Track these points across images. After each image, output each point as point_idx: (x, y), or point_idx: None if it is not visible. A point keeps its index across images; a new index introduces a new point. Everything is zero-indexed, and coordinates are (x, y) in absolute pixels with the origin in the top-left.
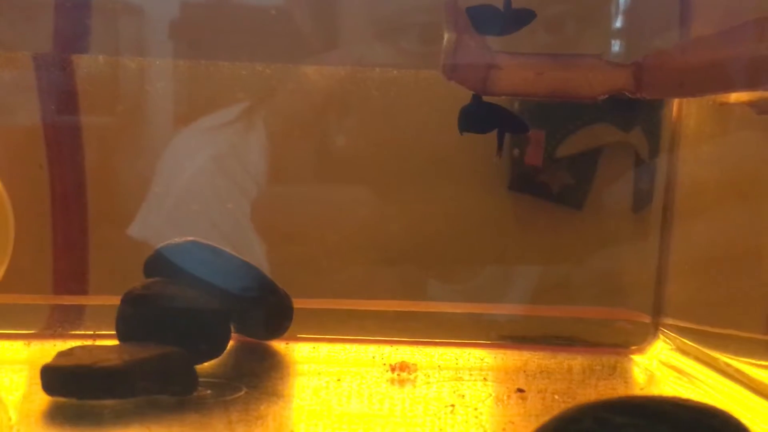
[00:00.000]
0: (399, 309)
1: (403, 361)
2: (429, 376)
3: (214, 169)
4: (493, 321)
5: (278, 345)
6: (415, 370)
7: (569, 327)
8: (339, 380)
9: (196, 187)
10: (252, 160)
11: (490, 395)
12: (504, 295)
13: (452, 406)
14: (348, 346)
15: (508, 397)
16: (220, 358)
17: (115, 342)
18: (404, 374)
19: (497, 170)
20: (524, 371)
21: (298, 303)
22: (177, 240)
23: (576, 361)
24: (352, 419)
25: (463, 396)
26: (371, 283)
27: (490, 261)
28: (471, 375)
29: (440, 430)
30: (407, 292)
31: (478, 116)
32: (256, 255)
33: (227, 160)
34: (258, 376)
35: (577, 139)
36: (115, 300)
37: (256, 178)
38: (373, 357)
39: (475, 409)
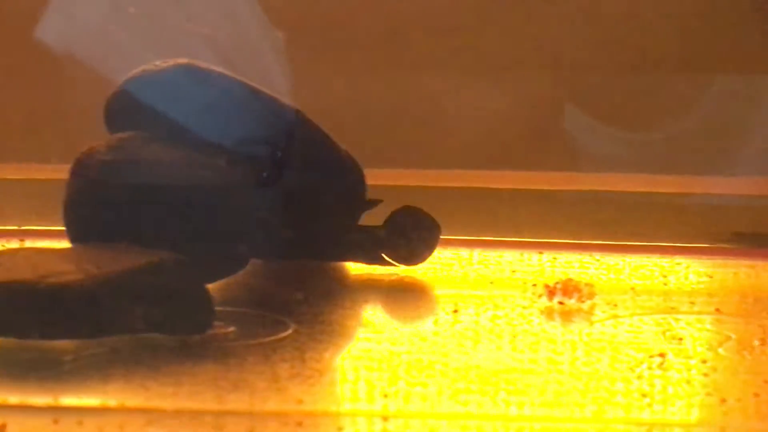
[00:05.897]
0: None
1: (568, 280)
2: (614, 304)
3: None
4: (726, 205)
5: None
6: (591, 296)
7: None
8: (456, 312)
9: None
10: None
11: (728, 338)
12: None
13: (661, 356)
14: (472, 253)
15: (763, 341)
16: (248, 270)
17: (64, 243)
18: (571, 302)
19: None
20: None
21: (377, 176)
22: (160, 64)
23: None
24: (485, 378)
25: (680, 339)
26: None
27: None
28: (692, 303)
29: (643, 395)
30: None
31: None
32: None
33: None
34: (314, 302)
35: None
36: (59, 170)
37: None
38: (516, 272)
39: (704, 361)
